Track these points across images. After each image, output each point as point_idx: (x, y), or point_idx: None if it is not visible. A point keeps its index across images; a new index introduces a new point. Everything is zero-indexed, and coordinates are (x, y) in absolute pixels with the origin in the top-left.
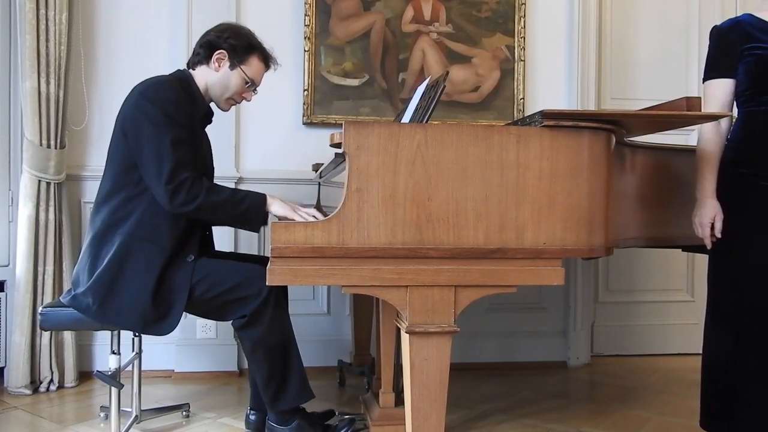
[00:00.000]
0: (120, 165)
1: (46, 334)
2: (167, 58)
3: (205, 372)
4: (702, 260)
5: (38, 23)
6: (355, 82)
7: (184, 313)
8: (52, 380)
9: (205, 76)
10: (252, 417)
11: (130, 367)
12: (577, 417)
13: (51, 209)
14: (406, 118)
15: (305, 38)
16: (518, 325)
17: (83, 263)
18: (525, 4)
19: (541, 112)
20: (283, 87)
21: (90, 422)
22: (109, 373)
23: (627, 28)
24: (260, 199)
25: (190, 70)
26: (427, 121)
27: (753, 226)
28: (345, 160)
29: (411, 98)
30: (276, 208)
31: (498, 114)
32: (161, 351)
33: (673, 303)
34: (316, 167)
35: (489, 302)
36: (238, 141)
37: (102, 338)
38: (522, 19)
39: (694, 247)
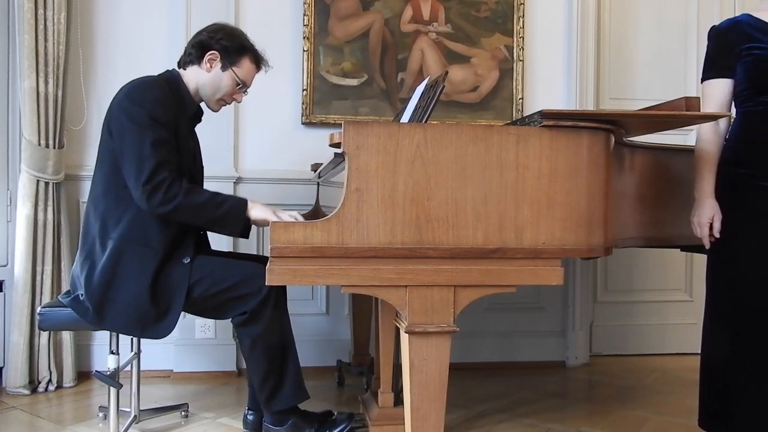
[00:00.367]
0: (109, 166)
1: (44, 334)
2: (166, 58)
3: (204, 372)
4: (700, 260)
5: (37, 23)
6: (354, 82)
7: (183, 312)
8: (50, 380)
9: (195, 77)
10: (250, 417)
11: (128, 367)
12: (575, 417)
13: (49, 209)
14: (405, 117)
15: (304, 38)
16: (517, 325)
17: (78, 267)
18: (524, 4)
19: (540, 112)
20: (282, 87)
21: (89, 422)
22: (108, 373)
23: (625, 28)
24: (241, 204)
25: (181, 70)
26: (426, 121)
27: (751, 226)
28: (344, 159)
29: (410, 98)
30: (256, 212)
31: (497, 114)
32: (160, 351)
33: (671, 303)
34: (315, 167)
35: (488, 302)
36: (236, 141)
37: (100, 338)
38: (521, 19)
39: (693, 247)
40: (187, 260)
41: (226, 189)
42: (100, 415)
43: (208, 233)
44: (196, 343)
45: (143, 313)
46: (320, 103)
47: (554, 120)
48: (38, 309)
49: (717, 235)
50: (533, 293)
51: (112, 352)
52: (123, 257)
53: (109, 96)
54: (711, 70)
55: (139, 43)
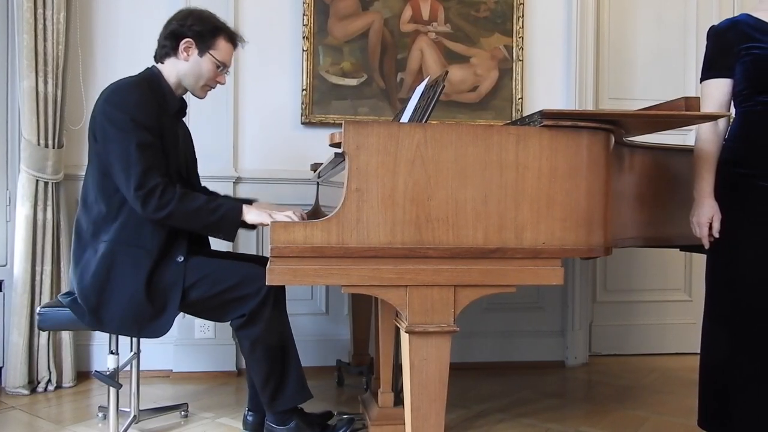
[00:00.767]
0: (98, 170)
1: (43, 334)
2: None
3: (204, 372)
4: (699, 260)
5: (36, 23)
6: (353, 82)
7: (181, 313)
8: (49, 380)
9: (175, 68)
10: (250, 418)
11: (128, 367)
12: (575, 416)
13: (49, 209)
14: (404, 117)
15: (304, 38)
16: (516, 325)
17: (72, 271)
18: (523, 4)
19: (540, 112)
20: (282, 86)
21: (88, 422)
22: (108, 373)
23: (625, 28)
24: (236, 209)
25: (159, 64)
26: (426, 121)
27: (751, 227)
28: (344, 159)
29: (410, 98)
30: (252, 216)
31: (496, 114)
32: (159, 351)
33: (670, 303)
34: (314, 167)
35: (487, 302)
36: (236, 141)
37: (100, 338)
38: (520, 19)
39: (692, 246)
40: (180, 259)
41: (226, 189)
42: (100, 415)
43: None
44: (196, 343)
45: (139, 313)
46: (320, 102)
47: (554, 120)
48: (38, 309)
49: (716, 235)
50: (532, 293)
51: (111, 352)
52: (116, 259)
53: None
54: (710, 69)
55: (139, 42)
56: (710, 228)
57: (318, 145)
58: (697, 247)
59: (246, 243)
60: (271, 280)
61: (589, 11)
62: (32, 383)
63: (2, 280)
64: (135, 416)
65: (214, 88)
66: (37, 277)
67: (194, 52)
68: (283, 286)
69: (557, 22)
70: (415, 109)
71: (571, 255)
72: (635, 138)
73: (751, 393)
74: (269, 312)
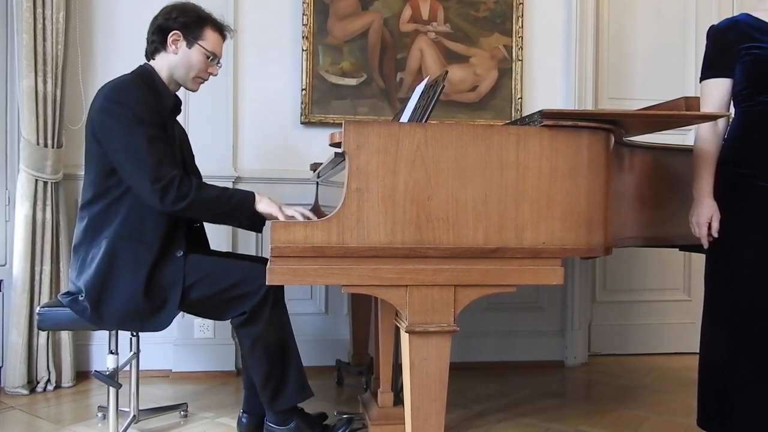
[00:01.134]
0: (98, 170)
1: (43, 334)
2: None
3: (203, 372)
4: (699, 259)
5: (35, 22)
6: (353, 82)
7: (182, 312)
8: (49, 380)
9: (166, 62)
10: (244, 420)
11: (127, 367)
12: (574, 416)
13: (48, 209)
14: (404, 117)
15: (303, 37)
16: (516, 325)
17: (73, 270)
18: (523, 3)
19: (540, 111)
20: (281, 86)
21: (87, 422)
22: (107, 372)
23: (624, 27)
24: (249, 196)
25: (150, 61)
26: (426, 121)
27: (751, 227)
28: (345, 159)
29: (409, 98)
30: (263, 206)
31: (496, 114)
32: (159, 351)
33: (670, 302)
34: (314, 167)
35: (486, 302)
36: (235, 140)
37: (99, 338)
38: (520, 19)
39: (692, 246)
40: (179, 253)
41: None
42: (99, 415)
43: (207, 233)
44: (195, 342)
45: (141, 308)
46: (319, 102)
47: (554, 120)
48: (37, 309)
49: (715, 234)
50: (532, 293)
51: (111, 352)
52: (118, 254)
53: None
54: (710, 69)
55: (138, 42)
56: (709, 228)
57: (317, 145)
58: (697, 247)
59: (246, 243)
60: (271, 279)
61: (589, 11)
62: (31, 383)
63: (1, 280)
64: (134, 416)
65: (206, 80)
66: (37, 277)
67: (182, 44)
68: (282, 288)
69: (557, 22)
70: (415, 109)
71: (571, 255)
72: (635, 138)
73: (750, 393)
74: (270, 310)
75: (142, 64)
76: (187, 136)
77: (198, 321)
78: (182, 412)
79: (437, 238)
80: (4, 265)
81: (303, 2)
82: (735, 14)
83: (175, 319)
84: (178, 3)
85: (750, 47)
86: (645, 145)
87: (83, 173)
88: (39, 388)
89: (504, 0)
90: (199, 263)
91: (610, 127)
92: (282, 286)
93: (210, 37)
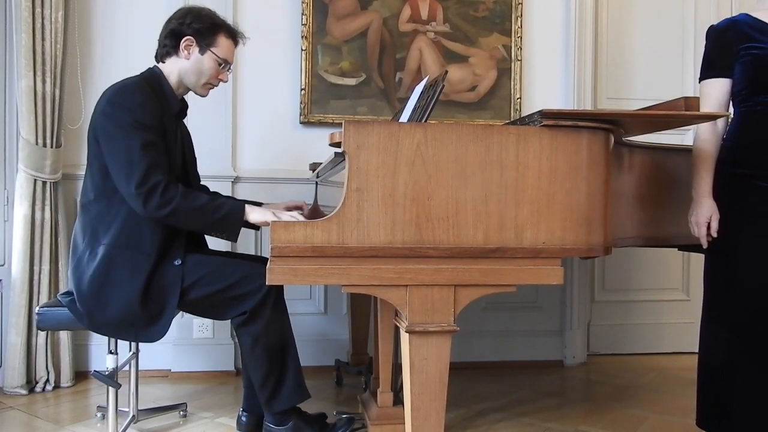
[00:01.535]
0: (98, 172)
1: (42, 334)
2: None
3: (202, 372)
4: (697, 259)
5: (34, 21)
6: (352, 82)
7: (180, 312)
8: (48, 380)
9: (176, 67)
10: (243, 419)
11: (126, 367)
12: (574, 416)
13: (47, 208)
14: (404, 117)
15: (302, 37)
16: (515, 325)
17: (70, 273)
18: (522, 3)
19: (540, 111)
20: (281, 86)
21: (86, 422)
22: (107, 372)
23: (623, 27)
24: (238, 208)
25: (160, 64)
26: (425, 121)
27: (750, 227)
28: (344, 159)
29: (409, 97)
30: (255, 216)
31: (495, 113)
32: (158, 351)
33: (668, 302)
34: (313, 167)
35: (485, 302)
36: (234, 140)
37: (98, 338)
38: (519, 19)
39: (691, 246)
40: (178, 262)
41: (224, 188)
42: (98, 414)
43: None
44: (194, 342)
45: (136, 318)
46: (318, 102)
47: (554, 120)
48: (36, 309)
49: (714, 234)
50: (531, 293)
51: (110, 352)
52: (114, 262)
53: None
54: (709, 69)
55: (137, 42)
56: (709, 228)
57: (317, 145)
58: (696, 247)
59: (245, 243)
60: (271, 279)
61: (588, 11)
62: (30, 383)
63: (0, 280)
64: (134, 416)
65: (216, 86)
66: (35, 277)
67: (195, 50)
68: (282, 288)
69: (556, 22)
70: (415, 109)
71: (571, 255)
72: (634, 138)
73: (749, 393)
74: (270, 310)
75: (150, 66)
76: (191, 138)
77: (197, 321)
78: (181, 412)
79: (437, 238)
80: (2, 265)
81: (302, 2)
82: (734, 14)
83: (174, 319)
84: (193, 7)
85: (749, 47)
86: (644, 145)
87: (83, 173)
88: (38, 388)
89: (503, 0)
90: (199, 263)
91: (609, 127)
92: (282, 286)
93: (223, 43)
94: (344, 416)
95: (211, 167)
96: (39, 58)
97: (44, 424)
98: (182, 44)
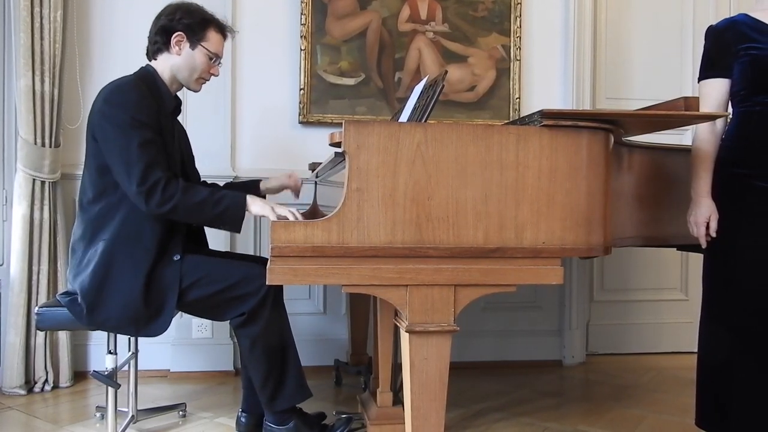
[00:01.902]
0: (98, 172)
1: (40, 334)
2: None
3: (201, 372)
4: (696, 259)
5: (33, 21)
6: (351, 81)
7: (179, 312)
8: (46, 380)
9: (168, 63)
10: (243, 419)
11: (125, 367)
12: (573, 415)
13: (46, 208)
14: (403, 117)
15: (301, 37)
16: (514, 324)
17: (70, 271)
18: (521, 3)
19: (540, 111)
20: (279, 86)
21: (85, 422)
22: (106, 373)
23: (622, 27)
24: (239, 200)
25: (152, 61)
26: (425, 121)
27: (749, 227)
28: (345, 159)
29: (408, 97)
30: (256, 208)
31: (494, 113)
32: (157, 351)
33: (667, 302)
34: (312, 166)
35: (484, 301)
36: (233, 140)
37: (97, 338)
38: (518, 19)
39: (690, 246)
40: (177, 257)
41: None
42: (97, 415)
43: (206, 232)
44: (193, 342)
45: (137, 313)
46: (317, 102)
47: (554, 120)
48: (36, 309)
49: (713, 234)
50: (530, 292)
51: (110, 352)
52: (115, 258)
53: None
54: (708, 69)
55: (135, 41)
56: (708, 228)
57: (316, 145)
58: (695, 247)
59: (244, 243)
60: (271, 279)
61: (587, 11)
62: (29, 383)
63: None
64: (133, 416)
65: (208, 80)
66: (34, 277)
67: (186, 45)
68: (281, 288)
69: (555, 22)
70: (414, 109)
71: (570, 254)
72: (633, 138)
73: (748, 393)
74: (269, 311)
75: (143, 65)
76: (186, 135)
77: (196, 321)
78: (181, 412)
79: (437, 238)
80: (1, 265)
81: (301, 2)
82: (732, 15)
83: (173, 319)
84: (182, 3)
85: (748, 47)
86: (643, 145)
87: (81, 172)
88: (37, 389)
89: (502, 0)
90: (197, 264)
91: (609, 127)
92: (281, 286)
93: (213, 38)
94: (343, 416)
95: (210, 166)
96: (38, 57)
97: (43, 425)
98: (173, 40)
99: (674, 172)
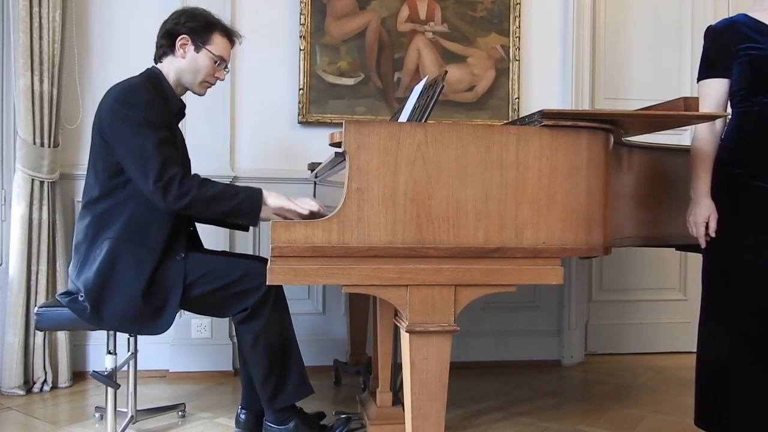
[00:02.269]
0: (105, 171)
1: (39, 334)
2: None
3: (200, 372)
4: (695, 259)
5: (31, 21)
6: (350, 82)
7: (180, 311)
8: (45, 380)
9: (173, 66)
10: (242, 416)
11: (125, 367)
12: (572, 415)
13: (44, 208)
14: (403, 117)
15: (301, 37)
16: (513, 324)
17: (74, 269)
18: (520, 4)
19: (540, 111)
20: (279, 86)
21: (84, 423)
22: (106, 373)
23: (621, 28)
24: (256, 192)
25: (158, 64)
26: (425, 121)
27: (748, 227)
28: (345, 159)
29: (407, 97)
30: (272, 200)
31: (493, 113)
32: (156, 351)
33: (666, 302)
34: (311, 166)
35: (484, 301)
36: (233, 140)
37: (96, 338)
38: (517, 19)
39: (689, 246)
40: (180, 256)
41: None
42: (96, 415)
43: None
44: (193, 342)
45: (140, 311)
46: (317, 102)
47: (554, 120)
48: (35, 309)
49: (713, 234)
50: (529, 292)
51: (109, 352)
52: (120, 256)
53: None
54: (707, 69)
55: (134, 41)
56: (707, 228)
57: (315, 145)
58: (694, 247)
59: (244, 243)
60: (271, 279)
61: (586, 11)
62: (28, 383)
63: None
64: (132, 416)
65: (213, 84)
66: (33, 277)
67: (190, 48)
68: (282, 288)
69: (554, 22)
70: (414, 109)
71: (570, 255)
72: (633, 138)
73: (748, 392)
74: (271, 307)
75: (150, 66)
76: (184, 141)
77: (195, 321)
78: (180, 413)
79: (438, 238)
80: (0, 265)
81: (300, 2)
82: (731, 15)
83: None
84: (187, 8)
85: (748, 48)
86: (643, 145)
87: (81, 172)
88: (36, 389)
89: (501, 0)
90: (200, 261)
91: (609, 127)
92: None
93: (218, 41)
94: (342, 416)
95: (209, 167)
96: (36, 57)
97: (42, 425)
98: (178, 43)
99: (674, 172)
